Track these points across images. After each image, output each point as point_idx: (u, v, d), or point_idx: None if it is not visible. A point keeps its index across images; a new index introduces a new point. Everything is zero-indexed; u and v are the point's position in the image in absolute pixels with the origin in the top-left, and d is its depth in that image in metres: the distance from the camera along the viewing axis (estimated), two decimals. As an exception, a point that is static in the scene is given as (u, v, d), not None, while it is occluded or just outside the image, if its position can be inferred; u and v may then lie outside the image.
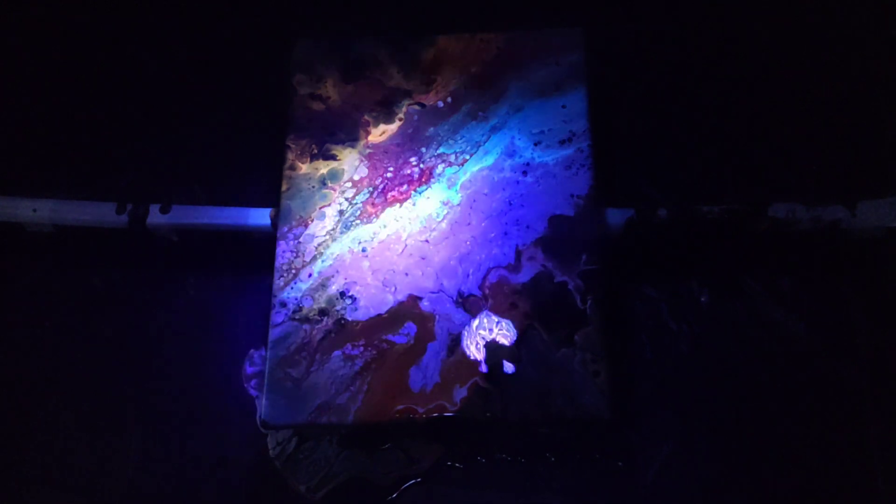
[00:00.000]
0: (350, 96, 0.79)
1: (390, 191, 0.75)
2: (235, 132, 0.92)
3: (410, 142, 0.77)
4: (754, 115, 0.89)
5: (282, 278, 0.72)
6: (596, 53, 0.78)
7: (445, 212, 0.73)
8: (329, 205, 0.74)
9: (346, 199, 0.75)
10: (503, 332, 0.68)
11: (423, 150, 0.76)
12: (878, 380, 0.77)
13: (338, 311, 0.70)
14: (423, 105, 0.78)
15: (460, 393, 0.66)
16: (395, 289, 0.71)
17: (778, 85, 0.91)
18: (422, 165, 0.75)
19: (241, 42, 0.97)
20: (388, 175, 0.75)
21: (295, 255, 0.73)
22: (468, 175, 0.75)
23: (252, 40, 0.97)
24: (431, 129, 0.77)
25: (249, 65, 0.95)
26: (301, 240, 0.73)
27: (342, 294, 0.71)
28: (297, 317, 0.70)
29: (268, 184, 0.78)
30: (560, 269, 0.70)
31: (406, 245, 0.72)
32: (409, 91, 0.79)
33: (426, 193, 0.74)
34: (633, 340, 0.80)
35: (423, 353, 0.68)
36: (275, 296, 0.71)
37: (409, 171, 0.75)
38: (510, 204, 0.73)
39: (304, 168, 0.76)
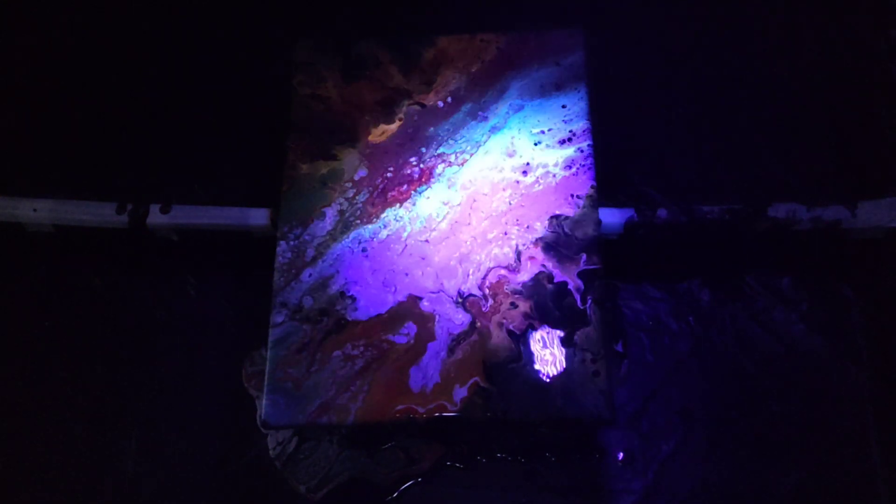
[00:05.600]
0: (350, 96, 0.79)
1: (390, 191, 0.75)
2: (235, 132, 0.92)
3: (410, 142, 0.77)
4: (754, 115, 0.89)
5: (282, 278, 0.72)
6: (596, 53, 0.78)
7: (445, 212, 0.73)
8: (329, 205, 0.74)
9: (346, 199, 0.75)
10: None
11: (423, 150, 0.76)
12: (878, 380, 0.77)
13: (338, 311, 0.70)
14: (423, 105, 0.78)
15: (460, 393, 0.66)
16: (395, 289, 0.71)
17: (778, 85, 0.91)
18: (422, 165, 0.75)
19: (242, 42, 0.97)
20: (388, 175, 0.75)
21: (295, 255, 0.73)
22: (468, 175, 0.75)
23: (252, 40, 0.97)
24: (431, 129, 0.77)
25: (249, 65, 0.95)
26: (301, 240, 0.73)
27: (342, 294, 0.71)
28: (297, 317, 0.70)
29: (268, 184, 0.78)
30: (560, 269, 0.70)
31: (406, 245, 0.72)
32: (409, 91, 0.79)
33: (426, 193, 0.74)
34: (633, 340, 0.80)
35: (423, 353, 0.68)
36: (275, 296, 0.71)
37: (409, 171, 0.75)
38: (510, 204, 0.73)
39: (305, 168, 0.76)
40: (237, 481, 0.77)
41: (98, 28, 0.99)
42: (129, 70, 0.96)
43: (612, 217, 0.76)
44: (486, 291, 0.70)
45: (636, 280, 0.83)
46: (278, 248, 0.73)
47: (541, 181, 0.74)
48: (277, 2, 0.99)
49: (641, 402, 0.78)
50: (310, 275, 0.72)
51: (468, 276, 0.71)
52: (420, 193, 0.74)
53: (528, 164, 0.74)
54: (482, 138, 0.76)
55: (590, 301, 0.68)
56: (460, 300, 0.70)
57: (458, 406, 0.66)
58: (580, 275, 0.69)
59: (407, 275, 0.71)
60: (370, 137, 0.77)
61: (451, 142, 0.76)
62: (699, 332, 0.80)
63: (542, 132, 0.76)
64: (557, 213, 0.72)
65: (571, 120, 0.76)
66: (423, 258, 0.72)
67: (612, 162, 0.77)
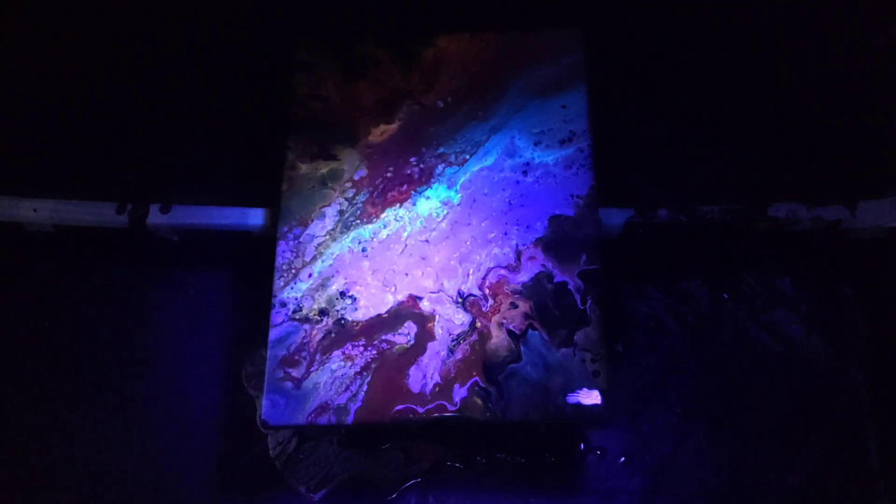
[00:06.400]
0: (350, 96, 0.79)
1: (390, 191, 0.75)
2: (235, 132, 0.92)
3: (410, 142, 0.77)
4: (754, 115, 0.89)
5: (282, 278, 0.72)
6: (596, 53, 0.78)
7: (445, 212, 0.73)
8: (329, 205, 0.74)
9: (346, 199, 0.75)
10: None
11: (423, 150, 0.76)
12: (878, 380, 0.77)
13: (338, 311, 0.70)
14: (423, 105, 0.78)
15: (460, 393, 0.66)
16: (395, 289, 0.71)
17: (778, 85, 0.91)
18: (422, 165, 0.75)
19: (242, 42, 0.97)
20: (388, 175, 0.75)
21: (295, 255, 0.73)
22: (468, 175, 0.75)
23: (252, 40, 0.97)
24: (431, 129, 0.77)
25: (249, 65, 0.95)
26: (301, 240, 0.73)
27: (342, 294, 0.71)
28: (297, 317, 0.70)
29: (268, 184, 0.78)
30: (560, 269, 0.70)
31: (406, 245, 0.72)
32: (409, 91, 0.79)
33: (426, 193, 0.74)
34: (633, 340, 0.80)
35: (423, 353, 0.68)
36: (275, 296, 0.71)
37: (409, 171, 0.75)
38: (510, 204, 0.73)
39: (304, 168, 0.76)
40: (237, 481, 0.77)
41: (98, 28, 0.99)
42: (129, 70, 0.96)
43: (612, 217, 0.76)
44: (486, 291, 0.70)
45: (636, 280, 0.83)
46: (278, 248, 0.73)
47: (541, 181, 0.74)
48: (277, 2, 0.99)
49: (641, 403, 0.78)
50: (309, 275, 0.72)
51: (468, 276, 0.71)
52: (420, 193, 0.74)
53: (528, 164, 0.74)
54: (482, 138, 0.76)
55: (590, 301, 0.68)
56: (460, 300, 0.70)
57: (458, 406, 0.66)
58: (580, 275, 0.69)
59: (407, 275, 0.71)
60: (370, 137, 0.77)
61: (451, 142, 0.76)
62: (699, 332, 0.80)
63: (542, 132, 0.76)
64: (557, 213, 0.72)
65: (571, 120, 0.76)
66: (423, 258, 0.72)
67: (612, 162, 0.77)
